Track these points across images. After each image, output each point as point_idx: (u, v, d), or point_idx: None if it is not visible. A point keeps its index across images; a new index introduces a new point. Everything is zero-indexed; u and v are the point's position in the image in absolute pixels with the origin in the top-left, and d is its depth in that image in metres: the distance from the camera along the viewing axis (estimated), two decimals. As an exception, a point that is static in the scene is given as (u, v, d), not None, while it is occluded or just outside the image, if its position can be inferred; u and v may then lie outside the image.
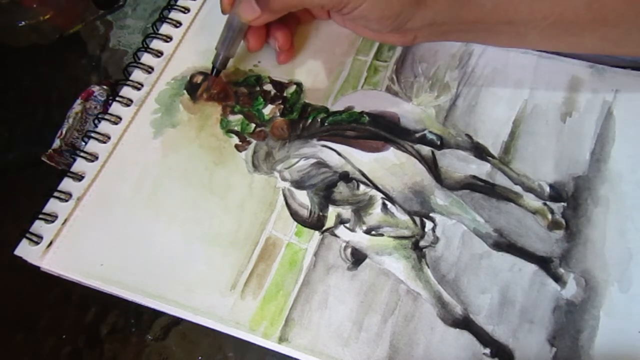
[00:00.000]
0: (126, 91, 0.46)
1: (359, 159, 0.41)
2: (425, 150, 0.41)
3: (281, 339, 0.36)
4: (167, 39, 0.48)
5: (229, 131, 0.44)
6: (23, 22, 0.49)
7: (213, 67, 0.43)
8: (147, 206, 0.41)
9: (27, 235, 0.41)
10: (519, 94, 0.43)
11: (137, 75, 0.47)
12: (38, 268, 0.40)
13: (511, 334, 0.35)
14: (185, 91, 0.46)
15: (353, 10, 0.37)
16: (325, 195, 0.41)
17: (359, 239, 0.39)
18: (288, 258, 0.39)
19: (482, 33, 0.40)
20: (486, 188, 0.40)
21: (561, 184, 0.39)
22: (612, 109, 0.41)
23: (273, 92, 0.45)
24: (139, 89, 0.46)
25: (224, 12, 0.42)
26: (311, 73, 0.45)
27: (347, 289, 0.37)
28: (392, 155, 0.41)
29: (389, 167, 0.41)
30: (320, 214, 0.40)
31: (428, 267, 0.38)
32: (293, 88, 0.45)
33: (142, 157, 0.43)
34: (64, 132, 0.45)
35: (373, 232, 0.39)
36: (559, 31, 0.37)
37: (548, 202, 0.39)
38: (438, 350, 0.35)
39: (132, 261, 0.40)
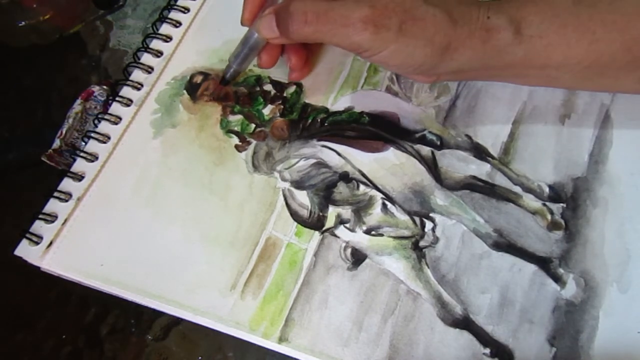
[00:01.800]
0: (126, 91, 0.46)
1: (359, 159, 0.41)
2: (425, 150, 0.41)
3: (281, 339, 0.36)
4: (167, 39, 0.48)
5: (229, 131, 0.44)
6: (23, 22, 0.49)
7: (223, 77, 0.43)
8: (147, 206, 0.41)
9: (27, 235, 0.41)
10: (518, 95, 0.43)
11: (137, 75, 0.47)
12: (38, 268, 0.40)
13: (511, 334, 0.35)
14: (185, 91, 0.46)
15: (372, 56, 0.36)
16: (325, 196, 0.41)
17: (359, 239, 0.39)
18: (288, 258, 0.39)
19: (511, 77, 0.39)
20: (486, 188, 0.40)
21: (560, 185, 0.39)
22: (610, 112, 0.41)
23: (273, 92, 0.45)
24: (138, 89, 0.46)
25: (243, 23, 0.40)
26: (311, 73, 0.45)
27: (347, 289, 0.38)
28: (392, 155, 0.41)
29: (388, 167, 0.41)
30: (320, 214, 0.40)
31: (428, 267, 0.38)
32: (293, 88, 0.45)
33: (142, 157, 0.43)
34: (64, 132, 0.45)
35: (373, 232, 0.39)
36: (593, 74, 0.36)
37: (547, 203, 0.39)
38: (438, 350, 0.35)
39: (132, 261, 0.40)
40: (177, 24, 0.49)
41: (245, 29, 0.41)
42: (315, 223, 0.40)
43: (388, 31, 0.33)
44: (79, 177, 0.43)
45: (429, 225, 0.39)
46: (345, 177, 0.41)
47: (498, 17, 0.34)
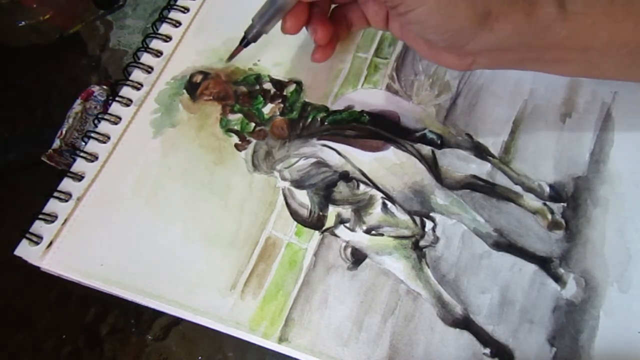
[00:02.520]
0: (126, 91, 0.46)
1: (359, 159, 0.41)
2: (426, 149, 0.41)
3: (281, 339, 0.36)
4: (167, 38, 0.48)
5: (228, 130, 0.44)
6: (23, 22, 0.49)
7: (244, 38, 0.41)
8: (147, 206, 0.41)
9: (27, 235, 0.41)
10: (519, 93, 0.43)
11: (136, 75, 0.47)
12: (38, 268, 0.40)
13: (511, 333, 0.35)
14: (185, 91, 0.46)
15: (409, 11, 0.33)
16: (325, 195, 0.41)
17: (359, 238, 0.39)
18: (288, 258, 0.39)
19: (550, 62, 0.37)
20: (486, 188, 0.40)
21: (561, 184, 0.39)
22: (611, 111, 0.41)
23: (273, 91, 0.45)
24: (138, 89, 0.46)
25: None
26: (311, 71, 0.45)
27: (347, 289, 0.37)
28: (392, 154, 0.41)
29: (389, 166, 0.41)
30: (320, 213, 0.40)
31: (428, 267, 0.38)
32: (293, 87, 0.45)
33: (142, 157, 0.43)
34: (64, 132, 0.45)
35: (373, 232, 0.39)
36: (635, 60, 0.34)
37: (548, 203, 0.39)
38: (438, 350, 0.35)
39: (132, 261, 0.40)
40: (176, 23, 0.49)
41: None
42: (315, 223, 0.40)
43: None
44: (79, 177, 0.43)
45: (429, 224, 0.39)
46: (345, 177, 0.41)
47: None
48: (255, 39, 0.41)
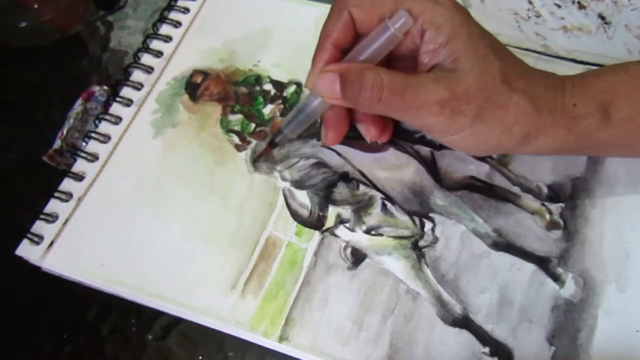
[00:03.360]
0: (126, 91, 0.46)
1: (359, 159, 0.42)
2: (425, 150, 0.42)
3: (281, 338, 0.37)
4: (167, 39, 0.48)
5: (229, 131, 0.44)
6: (24, 23, 0.49)
7: (271, 140, 0.39)
8: (148, 206, 0.42)
9: (28, 235, 0.41)
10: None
11: (137, 75, 0.47)
12: (39, 268, 0.41)
13: (510, 333, 0.35)
14: (185, 91, 0.46)
15: (443, 137, 0.34)
16: (325, 195, 0.41)
17: (359, 238, 0.39)
18: (288, 258, 0.39)
19: (588, 153, 0.38)
20: (485, 188, 0.40)
21: (559, 185, 0.40)
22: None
23: (273, 91, 0.45)
24: (139, 89, 0.46)
25: (307, 86, 0.36)
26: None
27: (347, 289, 0.38)
28: (391, 155, 0.42)
29: (388, 167, 0.41)
30: (320, 213, 0.40)
31: (427, 266, 0.38)
32: (293, 88, 0.45)
33: (143, 157, 0.43)
34: (64, 132, 0.45)
35: (373, 232, 0.39)
36: None
37: (546, 203, 0.39)
38: (438, 350, 0.35)
39: (133, 261, 0.40)
40: (177, 24, 0.49)
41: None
42: (315, 223, 0.40)
43: (465, 118, 0.31)
44: (79, 177, 0.43)
45: (428, 225, 0.39)
46: (345, 177, 0.41)
47: (585, 104, 0.32)
48: (281, 143, 0.39)
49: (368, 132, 0.39)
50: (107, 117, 0.45)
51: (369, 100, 0.32)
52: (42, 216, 0.41)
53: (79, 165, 0.44)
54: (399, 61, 0.35)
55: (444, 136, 0.34)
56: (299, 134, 0.38)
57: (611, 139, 0.33)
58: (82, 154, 0.44)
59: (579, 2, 0.46)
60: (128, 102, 0.46)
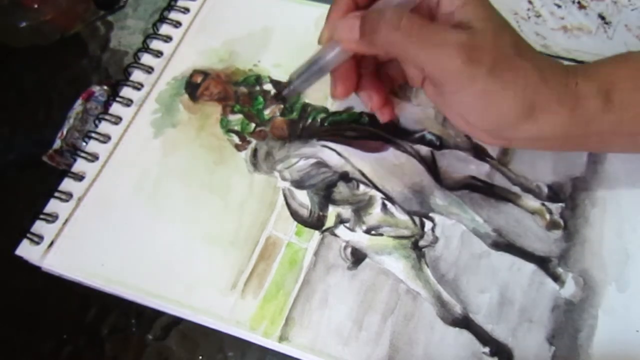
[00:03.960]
0: (126, 91, 0.46)
1: (359, 159, 0.42)
2: (425, 150, 0.42)
3: (281, 338, 0.37)
4: (167, 39, 0.48)
5: (229, 131, 0.44)
6: (24, 23, 0.49)
7: (278, 93, 0.38)
8: (148, 206, 0.42)
9: (28, 235, 0.41)
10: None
11: (137, 75, 0.47)
12: (39, 268, 0.41)
13: (510, 333, 0.35)
14: (185, 91, 0.46)
15: (453, 93, 0.33)
16: (325, 195, 0.41)
17: (359, 238, 0.39)
18: (288, 257, 0.39)
19: (593, 146, 0.36)
20: (485, 188, 0.40)
21: (559, 184, 0.40)
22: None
23: (273, 91, 0.45)
24: (139, 89, 0.46)
25: (320, 40, 0.36)
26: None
27: (347, 289, 0.38)
28: (391, 155, 0.42)
29: (388, 167, 0.41)
30: (320, 213, 0.40)
31: (427, 266, 0.38)
32: (293, 88, 0.45)
33: (143, 157, 0.43)
34: (64, 132, 0.45)
35: (373, 232, 0.39)
36: None
37: (546, 203, 0.39)
38: (438, 349, 0.35)
39: (133, 261, 0.40)
40: (177, 24, 0.49)
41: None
42: (315, 222, 0.40)
43: (479, 67, 0.30)
44: (79, 177, 0.43)
45: (428, 225, 0.39)
46: (345, 177, 0.41)
47: (587, 84, 0.32)
48: (291, 98, 0.39)
49: (370, 99, 0.38)
50: (107, 117, 0.45)
51: (388, 29, 0.32)
52: (42, 216, 0.41)
53: (79, 165, 0.44)
54: None
55: (455, 90, 0.32)
56: (308, 88, 0.37)
57: (614, 127, 0.32)
58: (82, 154, 0.44)
59: (579, 2, 0.46)
60: (128, 102, 0.46)
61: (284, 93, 0.37)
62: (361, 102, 0.40)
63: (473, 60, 0.30)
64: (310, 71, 0.36)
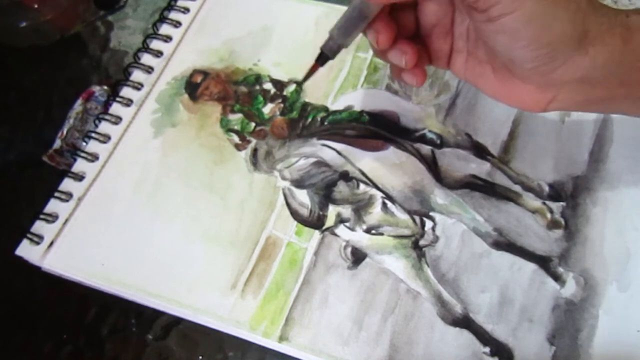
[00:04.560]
0: (126, 91, 0.46)
1: (359, 158, 0.41)
2: (425, 149, 0.41)
3: (281, 338, 0.37)
4: (167, 39, 0.48)
5: (228, 130, 0.44)
6: (24, 23, 0.49)
7: (321, 54, 0.34)
8: (148, 206, 0.42)
9: (28, 235, 0.41)
10: (518, 93, 0.43)
11: (137, 75, 0.47)
12: (39, 268, 0.41)
13: (511, 332, 0.35)
14: (185, 91, 0.46)
15: (503, 15, 0.28)
16: (325, 195, 0.41)
17: (359, 238, 0.39)
18: (288, 257, 0.39)
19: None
20: (486, 187, 0.40)
21: (560, 183, 0.39)
22: (611, 109, 0.41)
23: (273, 90, 0.45)
24: (139, 89, 0.46)
25: None
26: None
27: (347, 288, 0.38)
28: (392, 154, 0.41)
29: (388, 166, 0.41)
30: (320, 213, 0.40)
31: (428, 266, 0.38)
32: (293, 87, 0.45)
33: (143, 157, 0.43)
34: (64, 132, 0.45)
35: (373, 231, 0.39)
36: None
37: (547, 202, 0.39)
38: (438, 349, 0.35)
39: (133, 261, 0.40)
40: (177, 24, 0.49)
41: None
42: (315, 222, 0.40)
43: None
44: (79, 177, 0.43)
45: (429, 224, 0.39)
46: (345, 176, 0.41)
47: (637, 16, 0.29)
48: (333, 54, 0.34)
49: (403, 55, 0.33)
50: (107, 117, 0.45)
51: None
52: (42, 216, 0.41)
53: (79, 165, 0.44)
54: None
55: (506, 12, 0.28)
56: (350, 41, 0.33)
57: None
58: (82, 154, 0.44)
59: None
60: (128, 102, 0.46)
61: (326, 51, 0.33)
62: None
63: None
64: (351, 21, 0.32)
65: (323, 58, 0.34)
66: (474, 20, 0.32)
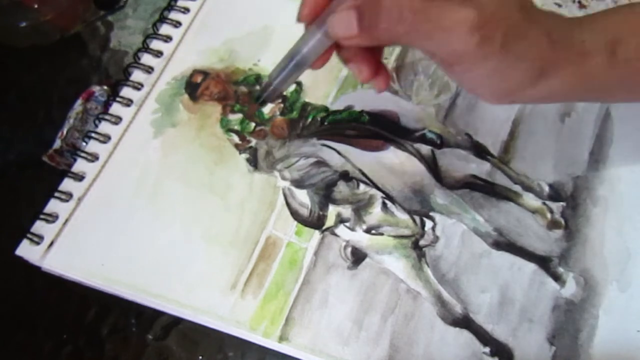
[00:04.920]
0: (126, 91, 0.46)
1: (359, 158, 0.41)
2: (425, 149, 0.41)
3: (281, 338, 0.37)
4: (167, 39, 0.48)
5: (229, 130, 0.44)
6: (24, 23, 0.49)
7: (258, 97, 0.34)
8: (148, 206, 0.42)
9: (28, 235, 0.41)
10: (518, 93, 0.43)
11: (137, 75, 0.47)
12: (39, 268, 0.41)
13: (511, 332, 0.35)
14: (185, 91, 0.46)
15: (465, 72, 0.31)
16: (326, 195, 0.41)
17: (359, 238, 0.39)
18: (288, 257, 0.39)
19: (596, 99, 0.37)
20: (486, 187, 0.40)
21: (560, 183, 0.39)
22: (610, 110, 0.41)
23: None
24: (139, 89, 0.46)
25: (300, 19, 0.33)
26: (311, 72, 0.45)
27: (347, 288, 0.38)
28: (392, 154, 0.41)
29: (388, 166, 0.41)
30: (321, 213, 0.40)
31: (428, 266, 0.38)
32: (293, 87, 0.45)
33: (143, 157, 0.43)
34: (64, 132, 0.45)
35: (373, 232, 0.39)
36: None
37: (547, 202, 0.39)
38: (438, 349, 0.35)
39: (133, 261, 0.40)
40: (177, 24, 0.49)
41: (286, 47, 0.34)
42: (315, 222, 0.40)
43: (492, 45, 0.29)
44: (79, 177, 0.43)
45: (429, 224, 0.39)
46: (345, 176, 0.41)
47: (593, 40, 0.31)
48: (273, 100, 0.36)
49: (360, 72, 0.34)
50: (107, 117, 0.45)
51: (390, 23, 0.29)
52: (42, 216, 0.41)
53: (79, 165, 0.44)
54: None
55: (466, 70, 0.31)
56: (289, 86, 0.34)
57: (617, 80, 0.32)
58: (82, 154, 0.44)
59: (579, 2, 0.46)
60: (128, 102, 0.46)
61: (265, 95, 0.34)
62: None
63: (485, 39, 0.29)
64: (289, 68, 0.33)
65: (262, 102, 0.34)
66: (440, 67, 0.34)
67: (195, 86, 0.46)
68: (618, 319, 0.35)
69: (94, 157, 0.44)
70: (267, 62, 0.46)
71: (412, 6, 0.29)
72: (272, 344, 0.37)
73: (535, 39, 0.30)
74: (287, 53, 0.33)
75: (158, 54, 0.47)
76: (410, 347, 0.36)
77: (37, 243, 0.41)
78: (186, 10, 0.49)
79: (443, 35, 0.29)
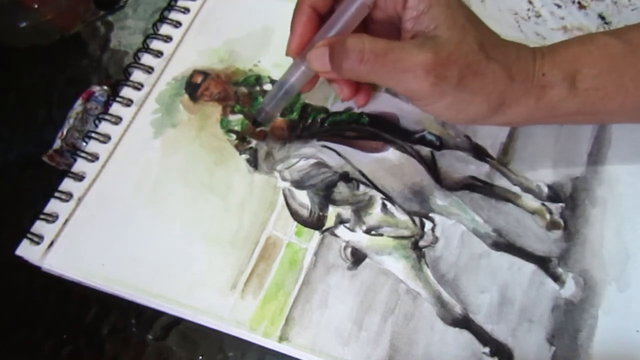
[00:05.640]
0: (126, 91, 0.46)
1: (359, 160, 0.42)
2: (425, 150, 0.42)
3: (281, 338, 0.37)
4: (167, 39, 0.48)
5: (229, 131, 0.44)
6: (24, 23, 0.49)
7: (254, 120, 0.39)
8: (148, 206, 0.42)
9: (28, 235, 0.41)
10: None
11: (137, 75, 0.47)
12: (39, 268, 0.41)
13: (510, 333, 0.35)
14: (185, 91, 0.46)
15: (426, 106, 0.34)
16: (325, 195, 0.41)
17: (359, 238, 0.39)
18: (288, 258, 0.39)
19: (559, 122, 0.39)
20: (485, 188, 0.40)
21: (559, 184, 0.40)
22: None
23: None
24: (139, 89, 0.46)
25: (288, 53, 0.37)
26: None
27: (347, 289, 0.38)
28: (391, 155, 0.42)
29: (388, 167, 0.41)
30: (321, 213, 0.40)
31: (427, 266, 0.38)
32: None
33: (143, 157, 0.43)
34: (64, 132, 0.45)
35: (373, 232, 0.39)
36: None
37: (546, 203, 0.39)
38: (438, 349, 0.35)
39: (133, 261, 0.40)
40: (177, 24, 0.49)
41: (277, 74, 0.39)
42: (315, 223, 0.40)
43: (448, 84, 0.32)
44: (79, 177, 0.43)
45: (428, 225, 0.39)
46: (345, 177, 0.41)
47: (553, 73, 0.33)
48: (268, 123, 0.41)
49: (341, 91, 0.39)
50: (107, 117, 0.45)
51: (352, 63, 0.33)
52: (42, 216, 0.41)
53: (79, 165, 0.44)
54: (384, 29, 0.36)
55: (426, 104, 0.34)
56: (281, 109, 0.39)
57: (578, 108, 0.34)
58: (82, 154, 0.44)
59: (579, 2, 0.46)
60: (128, 102, 0.46)
61: (259, 119, 0.38)
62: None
63: (441, 79, 0.32)
64: (280, 95, 0.37)
65: (257, 124, 0.39)
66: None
67: (195, 86, 0.46)
68: (617, 319, 0.35)
69: (94, 157, 0.44)
70: (267, 63, 0.46)
71: (373, 49, 0.32)
72: (272, 344, 0.37)
73: (492, 75, 0.32)
74: (277, 81, 0.37)
75: (158, 54, 0.48)
76: (410, 347, 0.36)
77: (37, 243, 0.41)
78: (186, 10, 0.49)
79: (402, 76, 0.32)
